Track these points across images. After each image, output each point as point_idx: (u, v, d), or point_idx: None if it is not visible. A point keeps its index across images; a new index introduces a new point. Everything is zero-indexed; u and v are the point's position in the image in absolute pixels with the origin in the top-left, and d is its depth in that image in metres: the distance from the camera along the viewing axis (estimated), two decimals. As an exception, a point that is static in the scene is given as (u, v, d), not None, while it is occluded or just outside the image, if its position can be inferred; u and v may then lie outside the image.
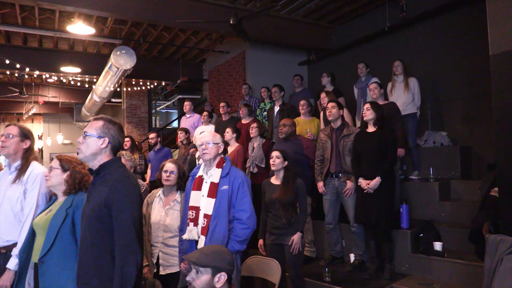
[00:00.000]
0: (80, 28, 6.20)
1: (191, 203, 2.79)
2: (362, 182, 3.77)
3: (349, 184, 3.99)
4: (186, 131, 6.32)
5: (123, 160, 3.60)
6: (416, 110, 5.04)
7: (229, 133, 5.32)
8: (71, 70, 8.19)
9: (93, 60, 8.51)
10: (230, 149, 5.27)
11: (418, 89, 5.02)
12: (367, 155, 3.81)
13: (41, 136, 14.54)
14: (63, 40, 8.20)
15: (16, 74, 8.18)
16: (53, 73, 8.43)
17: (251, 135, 5.10)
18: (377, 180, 3.68)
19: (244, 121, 5.96)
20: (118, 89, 10.26)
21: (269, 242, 3.51)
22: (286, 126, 4.54)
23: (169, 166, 3.10)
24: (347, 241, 4.30)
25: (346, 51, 7.43)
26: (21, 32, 7.52)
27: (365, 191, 3.74)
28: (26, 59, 8.09)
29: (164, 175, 3.07)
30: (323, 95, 5.11)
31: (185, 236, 2.77)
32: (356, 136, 3.98)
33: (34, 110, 11.29)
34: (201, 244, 2.68)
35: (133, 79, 9.32)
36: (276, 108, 5.82)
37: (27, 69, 7.59)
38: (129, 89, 9.93)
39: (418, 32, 6.25)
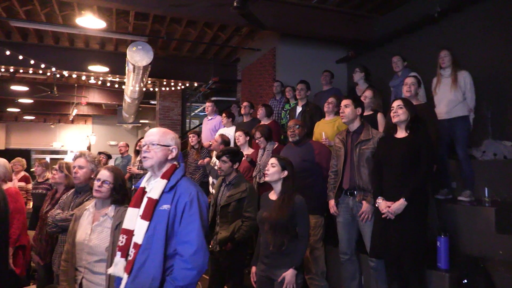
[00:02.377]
0: (90, 21, 5.75)
1: (124, 224, 2.04)
2: (381, 203, 2.80)
3: (365, 206, 3.01)
4: (198, 134, 5.63)
5: (82, 161, 2.98)
6: (468, 113, 3.88)
7: (241, 137, 4.58)
8: (99, 70, 7.93)
9: (121, 59, 8.15)
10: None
11: (471, 85, 3.87)
12: (390, 168, 2.83)
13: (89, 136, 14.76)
14: (93, 39, 7.95)
15: (48, 74, 8.04)
16: (83, 73, 8.21)
17: (260, 146, 4.26)
18: (401, 203, 2.70)
19: (263, 122, 5.16)
20: (151, 89, 9.91)
21: (258, 272, 2.75)
22: (299, 126, 3.66)
23: (102, 174, 2.39)
24: (366, 276, 3.31)
25: (389, 44, 6.32)
26: (49, 31, 7.34)
27: (384, 216, 2.76)
28: (58, 58, 7.94)
29: (95, 184, 2.36)
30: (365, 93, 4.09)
31: (110, 270, 2.02)
32: (380, 142, 3.01)
33: (75, 111, 11.30)
34: (123, 286, 1.91)
35: (164, 80, 8.90)
36: (299, 109, 4.95)
37: (53, 68, 7.37)
38: (162, 89, 9.52)
39: (475, 16, 5.03)
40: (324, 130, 4.08)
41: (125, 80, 8.42)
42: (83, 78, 8.99)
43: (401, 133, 2.91)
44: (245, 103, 5.64)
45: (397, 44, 6.18)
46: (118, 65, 7.80)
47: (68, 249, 2.40)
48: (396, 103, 2.91)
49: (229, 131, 5.51)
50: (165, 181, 1.99)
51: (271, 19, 5.97)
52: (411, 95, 3.49)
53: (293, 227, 2.65)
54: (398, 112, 2.87)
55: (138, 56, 6.04)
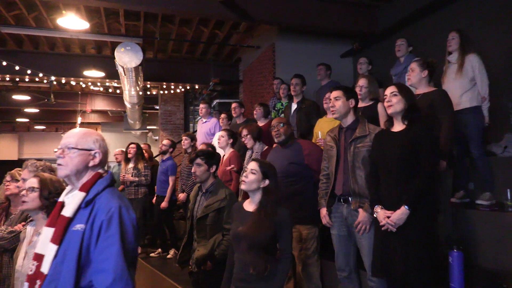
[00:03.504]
0: (72, 22, 5.41)
1: (37, 248, 1.62)
2: (380, 213, 2.30)
3: (362, 215, 2.51)
4: (192, 137, 5.21)
5: (25, 173, 2.59)
6: (480, 102, 3.32)
7: (224, 138, 4.13)
8: (94, 75, 7.62)
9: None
10: (224, 158, 4.08)
11: (480, 69, 3.28)
12: (387, 169, 2.33)
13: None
14: (89, 44, 7.67)
15: (45, 81, 7.80)
16: (79, 79, 7.93)
17: (247, 145, 3.80)
18: (402, 212, 2.19)
19: (260, 123, 4.69)
20: (154, 94, 9.59)
21: (233, 300, 2.26)
22: (283, 125, 3.18)
23: (28, 181, 2.01)
24: (368, 296, 2.80)
25: (396, 34, 5.76)
26: (42, 37, 7.09)
27: (383, 227, 2.26)
28: (54, 65, 7.68)
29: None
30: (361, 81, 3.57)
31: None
32: (375, 138, 2.51)
33: (80, 119, 11.09)
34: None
35: (164, 83, 8.55)
36: (294, 106, 4.45)
37: (52, 78, 7.10)
38: (163, 93, 9.18)
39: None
40: (323, 129, 3.59)
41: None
42: (83, 85, 8.71)
43: (397, 126, 2.41)
44: (234, 104, 5.18)
45: (406, 34, 5.60)
46: (114, 70, 7.46)
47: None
48: (389, 90, 2.40)
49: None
50: (83, 194, 1.56)
51: (266, 12, 5.53)
52: (415, 82, 2.97)
53: (275, 246, 2.19)
54: (392, 101, 2.36)
55: (126, 57, 5.67)
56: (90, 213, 1.53)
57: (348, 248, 2.68)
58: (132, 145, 5.51)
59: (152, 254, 5.19)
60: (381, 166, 2.36)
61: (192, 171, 2.97)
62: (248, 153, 3.79)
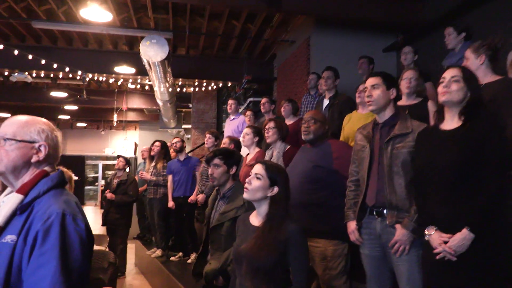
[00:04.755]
0: (95, 13, 5.19)
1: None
2: (434, 236, 1.76)
3: (400, 233, 1.98)
4: (216, 135, 4.81)
5: None
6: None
7: (249, 136, 3.68)
8: (125, 71, 7.47)
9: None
10: (248, 158, 3.66)
11: None
12: (438, 177, 1.79)
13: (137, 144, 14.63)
14: (120, 40, 7.53)
15: (78, 77, 7.76)
16: (111, 75, 7.85)
17: (267, 140, 3.35)
18: (464, 236, 1.66)
19: (288, 121, 4.25)
20: (189, 91, 9.37)
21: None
22: (315, 121, 2.68)
23: None
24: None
25: (448, 24, 5.08)
26: (74, 33, 7.01)
27: (439, 256, 1.72)
28: (87, 62, 7.59)
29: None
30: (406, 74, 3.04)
31: None
32: (419, 137, 1.98)
33: (116, 117, 11.10)
34: None
35: (196, 80, 8.28)
36: (326, 102, 3.95)
37: (79, 72, 7.02)
38: (196, 90, 8.93)
39: None
40: (354, 126, 3.06)
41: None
42: (118, 82, 8.60)
43: (450, 122, 1.86)
44: (263, 100, 4.76)
45: (460, 23, 4.92)
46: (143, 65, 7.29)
47: None
48: (450, 73, 1.85)
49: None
50: (20, 197, 1.21)
51: (301, 2, 5.06)
52: (474, 68, 2.38)
53: (284, 272, 1.72)
54: (451, 88, 1.82)
55: (152, 51, 5.40)
56: (25, 221, 1.17)
57: (382, 272, 2.16)
58: (156, 143, 5.26)
59: (172, 258, 4.86)
60: (429, 174, 1.82)
61: (209, 172, 2.59)
62: (269, 153, 3.34)
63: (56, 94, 9.66)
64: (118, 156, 5.71)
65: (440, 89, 1.86)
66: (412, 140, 2.03)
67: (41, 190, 1.22)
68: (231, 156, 2.61)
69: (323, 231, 2.45)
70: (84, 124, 15.85)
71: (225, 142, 4.12)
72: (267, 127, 3.33)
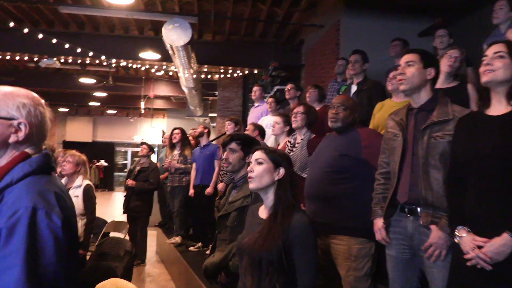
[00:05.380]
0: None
1: None
2: (465, 239, 1.50)
3: (436, 235, 1.71)
4: (237, 121, 4.65)
5: None
6: None
7: (279, 125, 3.49)
8: (150, 57, 7.37)
9: (174, 45, 7.55)
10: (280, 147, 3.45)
11: None
12: (480, 172, 1.51)
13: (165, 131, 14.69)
14: (146, 25, 7.43)
15: (104, 64, 7.74)
16: (137, 61, 7.76)
17: (293, 125, 3.12)
18: (504, 242, 1.40)
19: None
20: (214, 78, 9.22)
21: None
22: (345, 108, 2.41)
23: None
24: None
25: (490, 5, 4.63)
26: (100, 18, 6.95)
27: (470, 263, 1.46)
28: (113, 47, 7.55)
29: None
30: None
31: None
32: (460, 124, 1.70)
33: (143, 104, 11.12)
34: None
35: (221, 67, 8.09)
36: (353, 88, 3.67)
37: (103, 57, 6.97)
38: (221, 77, 8.77)
39: None
40: (386, 115, 2.77)
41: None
42: (142, 68, 8.55)
43: (499, 107, 1.57)
44: (288, 86, 4.52)
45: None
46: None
47: None
48: (493, 49, 1.56)
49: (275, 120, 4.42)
50: None
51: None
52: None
53: (290, 266, 1.50)
54: (495, 65, 1.53)
55: (174, 35, 5.24)
56: (-4, 213, 0.99)
57: (409, 278, 1.90)
58: (176, 130, 5.14)
59: (191, 248, 4.74)
60: (470, 167, 1.55)
61: (224, 156, 2.41)
62: (291, 140, 3.12)
63: (84, 80, 9.73)
64: (142, 143, 5.63)
65: (482, 68, 1.57)
66: (453, 128, 1.74)
67: (14, 176, 1.04)
68: (250, 143, 2.41)
69: (347, 226, 2.19)
70: (114, 111, 16.07)
71: (248, 129, 3.96)
72: (295, 111, 3.09)
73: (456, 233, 1.55)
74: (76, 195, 3.29)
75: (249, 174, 1.65)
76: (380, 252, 2.16)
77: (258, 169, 1.62)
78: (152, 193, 5.51)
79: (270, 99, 4.69)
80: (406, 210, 1.84)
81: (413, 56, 1.90)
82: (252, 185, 1.64)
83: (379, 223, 1.95)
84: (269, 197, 1.63)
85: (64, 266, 1.01)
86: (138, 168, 5.29)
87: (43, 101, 1.18)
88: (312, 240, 1.53)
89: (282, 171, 1.61)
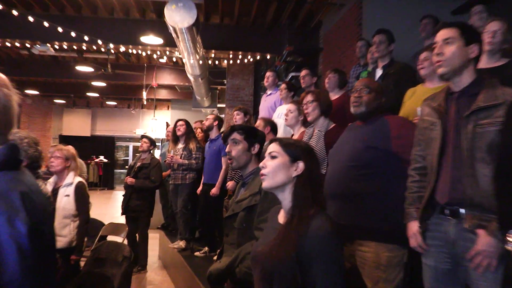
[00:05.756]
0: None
1: None
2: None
3: (484, 241, 1.57)
4: (246, 111, 4.59)
5: None
6: None
7: (293, 114, 3.41)
8: (152, 41, 7.26)
9: (177, 28, 7.44)
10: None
11: None
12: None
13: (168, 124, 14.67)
14: (148, 6, 7.33)
15: (103, 49, 7.68)
16: (138, 46, 7.69)
17: (308, 117, 2.99)
18: None
19: (333, 96, 3.94)
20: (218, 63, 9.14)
21: None
22: (370, 91, 2.28)
23: None
24: None
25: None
26: (99, 1, 6.88)
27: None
28: (112, 32, 7.46)
29: None
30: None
31: None
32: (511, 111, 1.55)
33: (145, 94, 11.07)
34: None
35: (230, 52, 7.97)
36: (378, 72, 3.50)
37: (99, 41, 6.89)
38: (230, 64, 8.66)
39: None
40: (419, 102, 2.62)
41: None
42: (143, 53, 8.50)
43: None
44: (303, 72, 4.42)
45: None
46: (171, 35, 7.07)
47: None
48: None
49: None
50: None
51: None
52: None
53: (307, 283, 1.36)
54: None
55: (178, 16, 5.11)
56: None
57: (451, 291, 1.76)
58: (180, 122, 5.03)
59: (197, 253, 4.65)
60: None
61: (226, 150, 2.31)
62: (308, 132, 2.99)
63: (82, 68, 9.69)
64: (142, 137, 5.54)
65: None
66: (504, 114, 1.59)
67: None
68: (253, 132, 2.34)
69: (375, 230, 2.06)
70: (114, 103, 16.12)
71: (259, 125, 3.85)
72: (304, 101, 2.99)
73: (509, 239, 1.40)
74: (67, 194, 3.23)
75: (262, 171, 1.52)
76: (415, 261, 2.02)
77: (271, 164, 1.49)
78: (154, 192, 5.45)
79: (283, 85, 4.56)
80: (447, 212, 1.70)
81: (451, 31, 1.74)
82: (265, 184, 1.50)
83: (414, 227, 1.81)
84: (286, 198, 1.50)
85: (33, 280, 0.90)
86: (138, 164, 5.22)
87: (8, 81, 1.06)
88: (335, 252, 1.35)
89: (301, 165, 1.47)
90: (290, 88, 4.50)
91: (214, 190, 4.48)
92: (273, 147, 1.53)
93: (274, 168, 1.48)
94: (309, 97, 2.93)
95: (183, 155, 4.90)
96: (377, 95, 2.29)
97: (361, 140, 2.21)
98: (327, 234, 1.34)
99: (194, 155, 4.86)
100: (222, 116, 10.86)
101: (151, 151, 5.49)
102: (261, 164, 1.53)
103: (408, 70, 3.22)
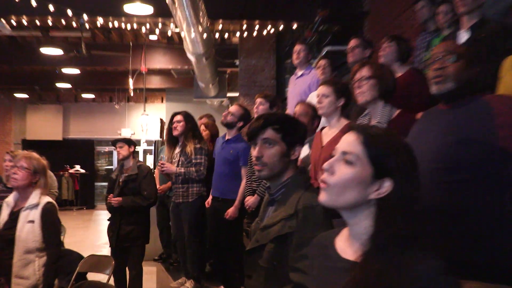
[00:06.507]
0: None
1: None
2: None
3: None
4: (272, 101, 4.59)
5: None
6: None
7: (329, 98, 3.27)
8: (139, 11, 7.19)
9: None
10: (327, 137, 3.27)
11: None
12: None
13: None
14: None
15: (74, 25, 7.67)
16: (121, 18, 7.67)
17: (358, 99, 2.94)
18: None
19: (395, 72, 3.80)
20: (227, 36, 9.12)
21: None
22: (456, 58, 2.12)
23: None
24: None
25: None
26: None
27: None
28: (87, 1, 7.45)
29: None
30: None
31: None
32: None
33: (132, 83, 11.06)
34: None
35: (244, 22, 7.90)
36: (462, 36, 3.31)
37: (70, 13, 6.87)
38: (244, 36, 8.65)
39: None
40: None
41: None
42: (125, 26, 8.41)
43: None
44: (352, 42, 4.27)
45: None
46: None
47: None
48: None
49: (327, 91, 4.18)
50: None
51: None
52: None
53: None
54: None
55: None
56: None
57: None
58: (177, 117, 4.92)
59: (211, 295, 4.57)
60: None
61: (255, 154, 2.07)
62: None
63: (48, 51, 9.71)
64: (116, 142, 5.28)
65: None
66: None
67: None
68: (294, 128, 2.11)
69: (481, 266, 1.88)
70: (91, 96, 16.24)
71: (297, 111, 3.76)
72: (357, 77, 2.82)
73: None
74: (30, 219, 3.16)
75: (323, 178, 1.30)
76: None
77: (343, 175, 1.27)
78: (148, 212, 5.29)
79: (323, 61, 4.49)
80: None
81: None
82: (324, 199, 1.30)
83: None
84: (361, 222, 1.29)
85: None
86: (123, 177, 5.05)
87: None
88: None
89: (387, 184, 1.25)
90: (333, 64, 4.48)
91: (231, 212, 4.45)
92: (349, 142, 1.32)
93: (344, 182, 1.28)
94: (365, 71, 2.76)
95: (179, 162, 4.85)
96: (468, 64, 2.12)
97: (449, 130, 2.06)
98: (443, 279, 1.16)
99: (194, 160, 4.80)
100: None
101: (135, 156, 5.31)
102: (325, 166, 1.31)
103: (507, 31, 3.05)
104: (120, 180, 5.02)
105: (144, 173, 5.02)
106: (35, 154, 3.42)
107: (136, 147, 5.53)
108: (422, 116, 2.41)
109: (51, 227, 3.23)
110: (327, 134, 3.21)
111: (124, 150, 5.10)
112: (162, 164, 4.87)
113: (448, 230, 1.95)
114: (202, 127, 5.65)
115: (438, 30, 4.23)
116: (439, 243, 1.93)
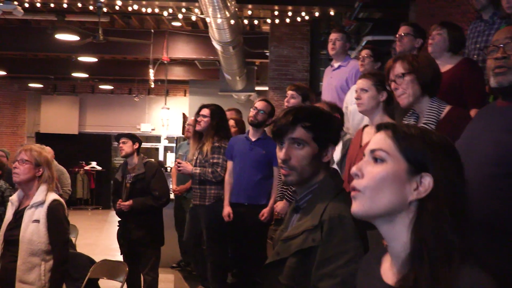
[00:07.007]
0: None
1: None
2: None
3: None
4: (304, 93, 4.67)
5: None
6: None
7: (367, 93, 3.24)
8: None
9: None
10: (368, 136, 3.23)
11: None
12: None
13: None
14: None
15: (91, 8, 7.75)
16: (142, 2, 7.73)
17: (398, 98, 2.84)
18: None
19: (441, 65, 3.72)
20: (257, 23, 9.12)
21: None
22: None
23: None
24: None
25: None
26: None
27: None
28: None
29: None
30: None
31: None
32: None
33: (152, 73, 11.11)
34: None
35: (275, 7, 7.91)
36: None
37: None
38: (276, 23, 8.70)
39: None
40: None
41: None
42: (145, 10, 8.46)
43: None
44: (403, 28, 4.19)
45: None
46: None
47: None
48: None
49: (366, 85, 4.14)
50: None
51: None
52: None
53: None
54: None
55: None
56: None
57: None
58: (203, 111, 4.89)
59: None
60: None
61: (281, 157, 1.98)
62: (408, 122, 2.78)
63: (63, 37, 9.80)
64: (119, 136, 5.24)
65: None
66: None
67: None
68: (328, 125, 2.01)
69: None
70: (109, 87, 16.37)
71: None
72: (392, 76, 2.71)
73: None
74: (35, 219, 3.14)
75: (354, 183, 1.21)
76: None
77: (373, 175, 1.19)
78: (161, 213, 5.29)
79: (365, 51, 4.43)
80: None
81: None
82: (357, 208, 1.21)
83: None
84: (399, 236, 1.20)
85: None
86: (129, 178, 5.03)
87: None
88: None
89: (428, 181, 1.17)
90: (376, 55, 4.40)
91: (266, 213, 4.45)
92: (380, 141, 1.23)
93: (375, 183, 1.19)
94: (398, 68, 2.68)
95: (197, 160, 4.86)
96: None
97: (507, 128, 2.01)
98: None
99: (211, 159, 4.81)
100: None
101: (139, 153, 5.27)
102: (354, 169, 1.22)
103: None
104: (127, 182, 5.02)
105: (152, 171, 5.04)
106: (35, 146, 3.40)
107: (142, 144, 5.47)
108: (477, 114, 2.37)
109: (57, 227, 3.22)
110: (369, 133, 3.15)
111: (128, 147, 5.11)
112: (179, 162, 4.91)
113: (503, 244, 1.90)
114: (231, 122, 5.56)
115: (505, 18, 4.12)
116: (492, 260, 1.86)
